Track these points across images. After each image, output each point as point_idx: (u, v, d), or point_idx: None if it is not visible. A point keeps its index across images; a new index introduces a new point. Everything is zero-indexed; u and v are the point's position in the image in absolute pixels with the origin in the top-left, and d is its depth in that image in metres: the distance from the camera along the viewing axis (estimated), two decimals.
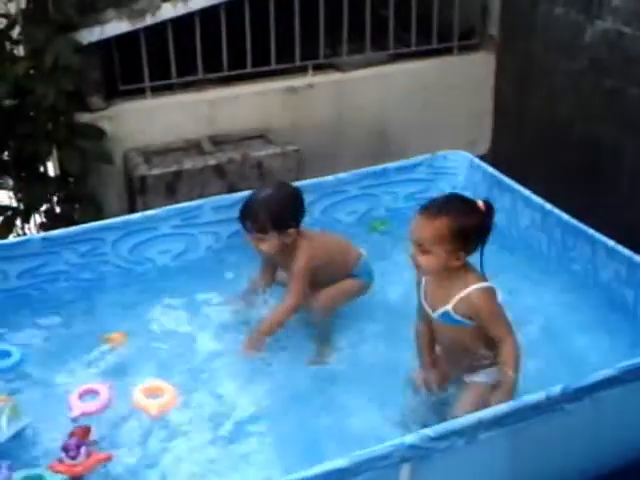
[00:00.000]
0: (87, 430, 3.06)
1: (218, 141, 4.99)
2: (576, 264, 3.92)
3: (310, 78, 5.29)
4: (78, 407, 3.22)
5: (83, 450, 2.94)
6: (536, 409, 2.82)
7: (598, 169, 4.93)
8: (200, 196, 4.57)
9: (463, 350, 3.07)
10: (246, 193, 4.17)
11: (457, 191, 4.45)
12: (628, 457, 3.18)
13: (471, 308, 2.97)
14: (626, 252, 3.72)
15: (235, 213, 4.11)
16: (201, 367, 3.50)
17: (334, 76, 5.36)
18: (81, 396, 3.28)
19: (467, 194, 4.38)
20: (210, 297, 3.90)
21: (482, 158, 4.90)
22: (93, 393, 3.30)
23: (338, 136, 5.32)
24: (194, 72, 5.07)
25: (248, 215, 3.58)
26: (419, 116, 5.51)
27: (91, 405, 3.24)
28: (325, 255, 3.65)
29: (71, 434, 3.02)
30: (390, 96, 5.43)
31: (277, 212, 3.53)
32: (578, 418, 2.93)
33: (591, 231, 3.88)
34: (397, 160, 4.68)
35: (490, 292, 2.99)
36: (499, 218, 4.22)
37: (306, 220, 4.29)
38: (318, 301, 3.64)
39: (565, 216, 4.02)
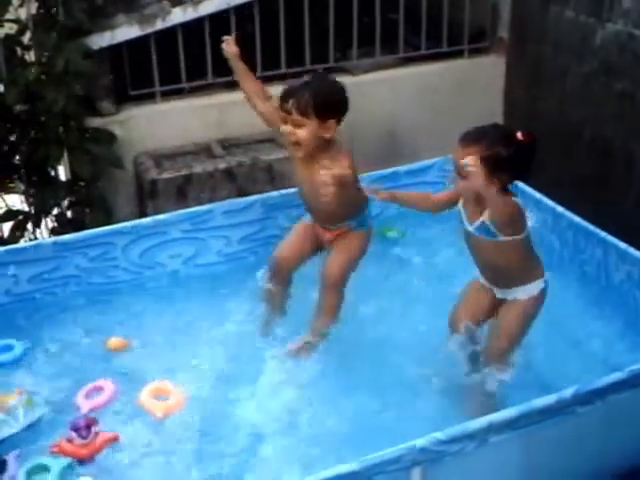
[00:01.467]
0: (93, 420, 3.10)
1: (228, 145, 5.00)
2: (588, 266, 3.89)
3: None
4: (86, 404, 3.26)
5: (92, 430, 2.97)
6: (547, 412, 2.80)
7: (609, 173, 4.91)
8: (210, 200, 4.58)
9: (495, 267, 3.29)
10: (256, 197, 4.22)
11: None
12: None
13: (501, 213, 3.12)
14: (638, 254, 3.70)
15: (245, 217, 4.18)
16: (210, 370, 3.49)
17: (344, 79, 5.21)
18: (87, 395, 3.32)
19: None
20: (221, 302, 3.87)
21: None
22: (98, 390, 3.35)
23: (349, 139, 5.22)
24: (204, 76, 5.09)
25: (292, 93, 3.43)
26: (430, 119, 5.50)
27: (98, 400, 3.28)
28: (355, 173, 3.54)
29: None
30: (401, 99, 5.43)
31: (323, 96, 3.42)
32: (590, 420, 2.92)
33: (602, 233, 3.87)
34: (408, 163, 4.68)
35: (520, 207, 3.20)
36: None
37: None
38: (329, 272, 3.60)
39: (577, 218, 4.00)
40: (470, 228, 3.27)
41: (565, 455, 2.94)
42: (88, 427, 3.01)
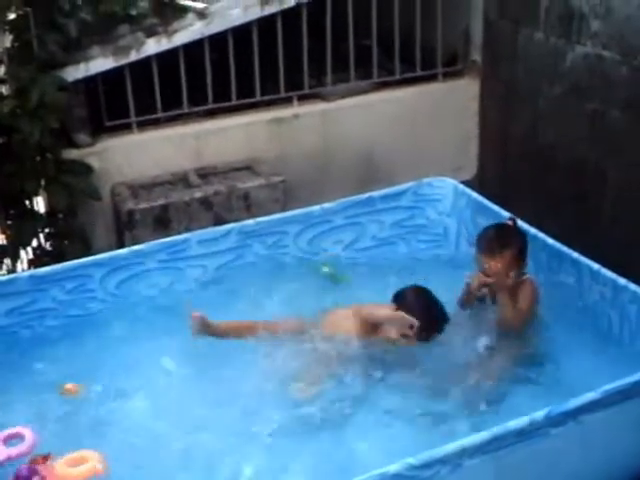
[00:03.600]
0: (46, 458, 3.08)
1: (204, 173, 5.04)
2: (561, 288, 3.92)
3: (295, 108, 5.34)
4: (2, 452, 3.18)
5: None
6: (520, 435, 2.82)
7: (582, 192, 4.95)
8: (188, 229, 4.63)
9: None
10: (232, 225, 4.24)
11: (443, 217, 4.59)
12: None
13: (521, 288, 3.72)
14: (610, 275, 3.74)
15: (221, 246, 4.19)
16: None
17: (319, 106, 5.40)
18: (6, 440, 3.23)
19: (452, 220, 4.57)
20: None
21: (468, 184, 4.95)
22: (18, 437, 3.25)
23: (325, 165, 5.35)
24: (179, 106, 5.12)
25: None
26: (405, 143, 5.55)
27: (14, 450, 3.19)
28: None
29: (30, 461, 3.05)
30: (376, 124, 5.46)
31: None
32: (564, 442, 2.94)
33: (575, 254, 3.90)
34: (385, 187, 4.71)
35: (535, 284, 3.77)
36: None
37: (292, 251, 4.39)
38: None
39: (550, 240, 4.03)
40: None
41: (539, 477, 2.95)
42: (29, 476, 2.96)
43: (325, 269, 4.38)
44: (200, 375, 3.60)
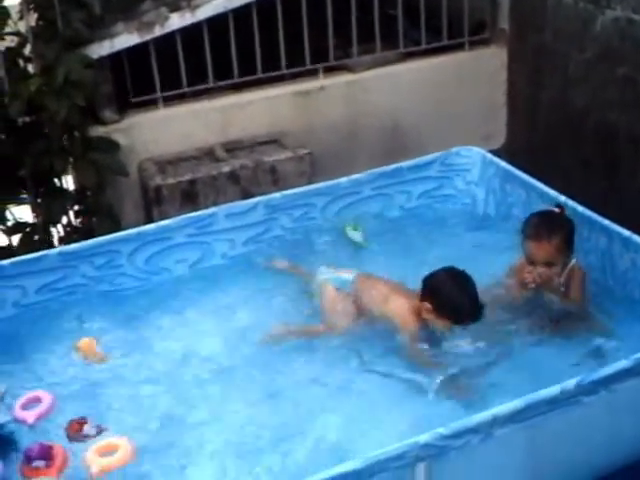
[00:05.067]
0: (82, 423, 3.12)
1: (231, 148, 5.01)
2: (592, 255, 3.87)
3: (321, 81, 5.30)
4: (28, 415, 3.22)
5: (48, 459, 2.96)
6: (552, 403, 2.80)
7: (614, 159, 4.89)
8: (215, 203, 4.60)
9: None
10: (258, 198, 4.23)
11: (471, 187, 4.54)
12: None
13: (573, 278, 3.65)
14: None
15: (248, 219, 4.18)
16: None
17: (345, 77, 5.36)
18: (26, 405, 3.27)
19: (480, 190, 4.52)
20: (226, 304, 3.89)
21: (497, 152, 4.92)
22: (38, 401, 3.29)
23: (352, 137, 5.31)
24: (205, 80, 5.09)
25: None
26: (433, 113, 5.49)
27: (32, 413, 3.23)
28: None
29: (69, 426, 3.11)
30: (402, 95, 5.42)
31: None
32: (595, 411, 2.91)
33: (606, 222, 3.85)
34: (412, 158, 4.67)
35: (582, 269, 3.69)
36: (514, 212, 4.30)
37: (319, 223, 4.37)
38: None
39: (580, 207, 3.98)
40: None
41: (571, 447, 2.93)
42: (43, 457, 2.97)
43: (350, 230, 4.35)
44: (228, 352, 3.60)
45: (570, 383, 2.82)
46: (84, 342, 3.64)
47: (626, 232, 3.77)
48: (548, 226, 3.58)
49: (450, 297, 3.43)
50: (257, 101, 5.16)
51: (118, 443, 3.06)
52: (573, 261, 3.66)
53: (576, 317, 3.59)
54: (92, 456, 3.01)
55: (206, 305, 3.90)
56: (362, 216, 4.43)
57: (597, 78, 4.90)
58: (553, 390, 2.80)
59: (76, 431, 3.14)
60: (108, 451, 3.03)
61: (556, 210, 3.74)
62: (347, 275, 3.70)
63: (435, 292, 3.47)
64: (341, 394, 3.32)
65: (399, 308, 3.55)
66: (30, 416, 3.21)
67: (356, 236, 4.34)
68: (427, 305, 3.47)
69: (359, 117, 5.34)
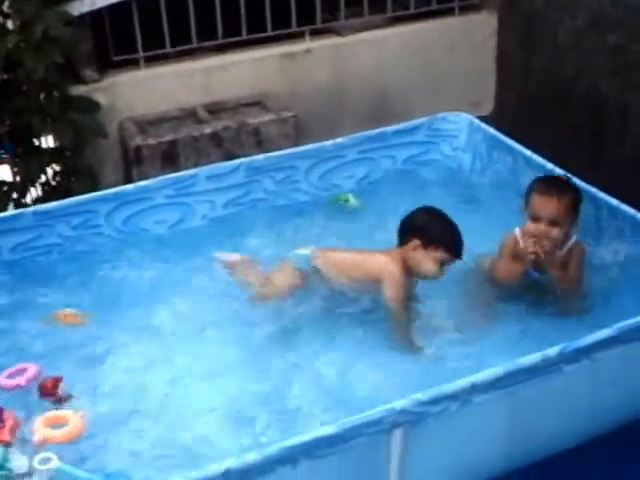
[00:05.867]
0: (57, 380, 3.04)
1: (214, 109, 4.93)
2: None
3: (307, 43, 5.21)
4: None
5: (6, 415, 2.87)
6: (533, 371, 2.74)
7: (603, 127, 4.81)
8: (196, 165, 4.53)
9: None
10: (240, 160, 4.15)
11: (458, 152, 4.48)
12: (625, 419, 3.11)
13: (574, 255, 3.50)
14: (630, 210, 3.63)
15: (229, 181, 4.10)
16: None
17: (332, 41, 5.28)
18: (12, 375, 3.15)
19: (467, 156, 4.45)
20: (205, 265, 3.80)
21: (486, 119, 4.82)
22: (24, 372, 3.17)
23: (337, 101, 5.24)
24: (188, 41, 4.99)
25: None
26: (421, 79, 5.43)
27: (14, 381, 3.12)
28: None
29: (43, 383, 3.02)
30: (390, 59, 5.34)
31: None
32: (576, 379, 2.86)
33: (594, 190, 3.78)
34: (398, 123, 4.58)
35: (584, 246, 3.56)
36: (501, 178, 4.23)
37: (303, 187, 4.30)
38: None
39: (568, 175, 3.90)
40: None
41: (551, 416, 2.88)
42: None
43: (346, 203, 4.29)
44: (207, 312, 3.52)
45: (552, 351, 2.76)
46: (62, 311, 3.53)
47: (614, 201, 3.70)
48: (560, 184, 3.50)
49: (439, 226, 3.40)
50: (241, 62, 5.08)
51: (69, 417, 2.92)
52: (574, 237, 3.53)
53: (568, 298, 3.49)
54: (39, 425, 2.88)
55: (185, 266, 3.82)
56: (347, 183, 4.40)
57: (588, 45, 4.80)
58: (534, 358, 2.73)
59: (50, 389, 3.05)
60: (57, 423, 2.90)
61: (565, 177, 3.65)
62: (304, 251, 3.54)
63: (421, 226, 3.40)
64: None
65: (379, 262, 3.41)
66: (21, 380, 3.12)
67: (352, 203, 4.27)
68: (415, 241, 3.37)
69: (345, 81, 5.26)
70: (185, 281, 3.71)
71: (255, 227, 4.02)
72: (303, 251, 3.53)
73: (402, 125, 4.53)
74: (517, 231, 3.55)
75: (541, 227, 3.41)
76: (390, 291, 3.35)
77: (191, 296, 3.62)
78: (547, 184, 3.50)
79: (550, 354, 2.75)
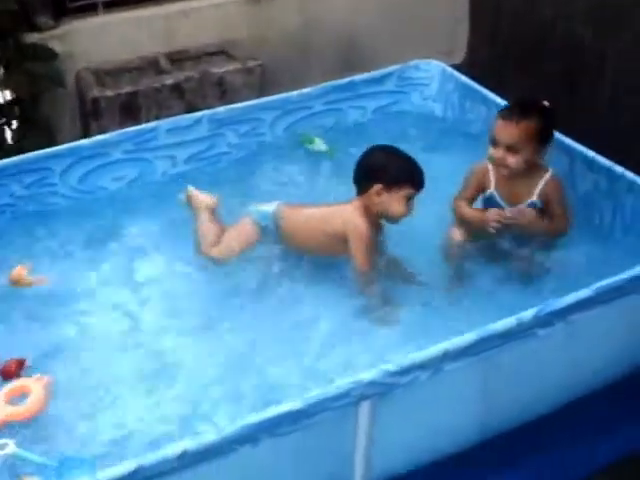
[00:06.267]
0: (20, 362, 2.88)
1: (176, 58, 4.71)
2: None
3: None
4: None
5: None
6: (506, 336, 2.61)
7: (579, 73, 4.68)
8: (157, 117, 4.34)
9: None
10: (202, 112, 3.97)
11: (429, 102, 4.32)
12: (600, 383, 3.01)
13: (551, 192, 3.32)
14: (606, 162, 3.50)
15: (191, 135, 3.93)
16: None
17: None
18: None
19: (439, 105, 4.29)
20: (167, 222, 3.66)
21: (458, 67, 4.68)
22: None
23: (305, 48, 5.05)
24: None
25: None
26: (391, 25, 5.22)
27: None
28: None
29: (5, 365, 2.87)
30: (360, 4, 5.14)
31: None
32: (551, 344, 2.74)
33: (568, 141, 3.65)
34: (368, 70, 4.42)
35: (560, 180, 3.38)
36: (473, 129, 4.08)
37: (268, 139, 4.13)
38: None
39: None
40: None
41: (527, 382, 2.76)
42: None
43: (311, 145, 4.13)
44: (164, 273, 3.39)
45: (527, 315, 2.63)
46: (15, 271, 3.36)
47: (590, 152, 3.57)
48: (523, 107, 3.27)
49: (397, 162, 3.24)
50: (205, 8, 4.84)
51: (31, 386, 2.76)
52: (549, 173, 3.34)
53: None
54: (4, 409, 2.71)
55: (146, 224, 3.68)
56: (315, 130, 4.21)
57: None
58: (509, 322, 2.61)
59: (13, 372, 2.87)
60: (18, 395, 2.74)
61: (545, 103, 3.37)
62: (267, 207, 3.38)
63: (380, 167, 3.24)
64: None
65: (342, 216, 3.26)
66: None
67: (318, 145, 4.11)
68: (377, 186, 3.21)
69: (313, 27, 5.06)
70: (145, 241, 3.56)
71: (218, 182, 3.84)
72: (265, 207, 3.38)
73: (371, 74, 4.38)
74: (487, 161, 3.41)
75: (499, 152, 3.24)
76: (358, 253, 3.21)
77: (152, 256, 3.48)
78: (511, 107, 3.33)
79: (525, 318, 2.63)
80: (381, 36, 5.20)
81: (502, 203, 3.35)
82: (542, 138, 3.27)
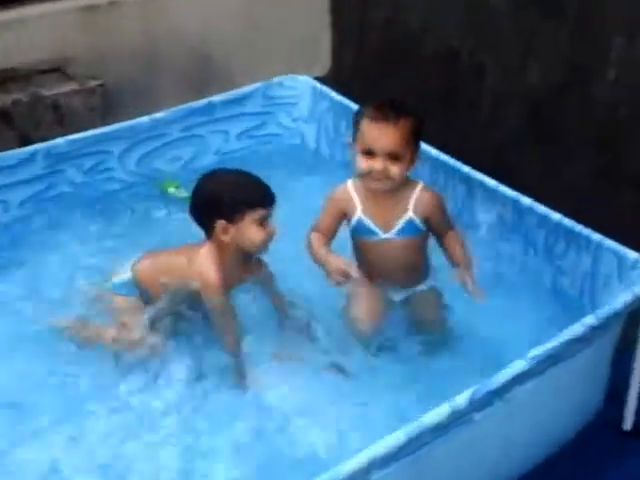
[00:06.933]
0: None
1: (0, 79, 4.07)
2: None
3: None
4: None
5: None
6: (440, 428, 2.14)
7: (456, 88, 4.35)
8: None
9: (411, 266, 2.92)
10: (36, 146, 3.37)
11: (300, 124, 3.98)
12: (542, 456, 2.62)
13: (427, 205, 2.83)
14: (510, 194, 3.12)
15: (24, 174, 3.35)
16: None
17: None
18: None
19: (312, 127, 3.89)
20: None
21: (322, 80, 4.27)
22: None
23: (152, 65, 4.50)
24: None
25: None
26: (248, 36, 4.77)
27: None
28: None
29: None
30: (212, 14, 4.64)
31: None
32: (489, 424, 2.30)
33: (466, 168, 3.26)
34: (224, 90, 3.96)
35: (433, 188, 2.95)
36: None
37: (119, 175, 3.59)
38: None
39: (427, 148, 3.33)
40: (387, 235, 2.84)
41: (461, 470, 2.31)
42: None
43: (172, 189, 3.62)
44: None
45: (461, 399, 2.16)
46: None
47: (491, 182, 3.18)
48: (394, 107, 2.73)
49: (231, 187, 2.73)
50: (32, 19, 4.22)
51: None
52: (420, 184, 2.84)
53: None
54: None
55: None
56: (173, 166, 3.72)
57: None
58: (442, 411, 2.12)
59: None
60: None
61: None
62: (124, 275, 2.84)
63: (213, 200, 2.71)
64: None
65: (192, 266, 2.74)
66: None
67: (180, 192, 3.57)
68: (219, 223, 2.69)
69: (160, 40, 4.51)
70: None
71: (60, 231, 3.30)
72: (122, 276, 2.81)
73: (232, 93, 3.91)
74: (349, 182, 2.87)
75: (378, 163, 2.70)
76: (210, 303, 2.72)
77: None
78: (380, 108, 2.73)
79: (459, 404, 2.15)
80: (236, 48, 4.75)
81: (374, 228, 2.83)
82: (419, 138, 2.79)
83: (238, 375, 2.69)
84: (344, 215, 2.87)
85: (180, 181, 3.62)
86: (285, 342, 2.82)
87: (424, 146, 3.30)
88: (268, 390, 2.65)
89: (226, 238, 2.70)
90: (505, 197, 3.14)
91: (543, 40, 3.88)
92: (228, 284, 2.72)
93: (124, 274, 2.80)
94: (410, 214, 2.80)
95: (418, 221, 2.81)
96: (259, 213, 2.69)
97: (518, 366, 2.28)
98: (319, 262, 2.75)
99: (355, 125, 2.78)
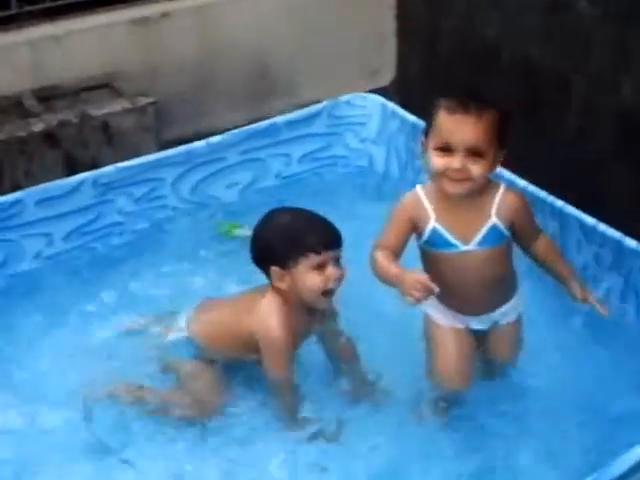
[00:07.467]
0: None
1: (46, 96, 3.93)
2: None
3: (163, 5, 4.22)
4: None
5: None
6: None
7: (537, 102, 4.05)
8: (27, 174, 3.64)
9: (497, 281, 2.58)
10: (84, 175, 3.18)
11: (368, 145, 3.78)
12: None
13: (511, 207, 2.52)
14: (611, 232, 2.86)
15: (70, 205, 3.20)
16: None
17: (194, 1, 4.29)
18: None
19: (381, 149, 3.73)
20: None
21: (385, 91, 4.23)
22: None
23: (207, 78, 4.31)
24: (6, 5, 3.97)
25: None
26: (307, 45, 4.55)
27: None
28: None
29: None
30: (269, 22, 4.43)
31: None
32: None
33: (560, 202, 3.00)
34: (285, 103, 3.92)
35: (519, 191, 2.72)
36: (424, 177, 3.40)
37: (172, 202, 3.40)
38: None
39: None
40: (468, 247, 2.51)
41: None
42: None
43: (237, 230, 3.39)
44: None
45: None
46: None
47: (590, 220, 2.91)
48: (477, 97, 2.43)
49: (280, 231, 2.54)
50: (80, 32, 4.05)
51: None
52: (502, 186, 2.54)
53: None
54: None
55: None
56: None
57: (512, 3, 4.02)
58: None
59: None
60: None
61: None
62: (179, 333, 2.64)
63: (264, 247, 2.54)
64: None
65: (255, 312, 2.53)
66: None
67: (244, 231, 3.30)
68: (274, 270, 2.50)
69: (215, 52, 4.32)
70: None
71: (113, 272, 3.11)
72: (177, 333, 2.58)
73: (295, 114, 3.75)
74: (418, 187, 2.55)
75: (457, 161, 2.38)
76: (272, 363, 2.52)
77: None
78: (459, 99, 2.42)
79: None
80: (294, 59, 4.53)
81: (452, 240, 2.50)
82: (502, 138, 2.46)
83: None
84: (414, 227, 2.52)
85: (238, 222, 3.40)
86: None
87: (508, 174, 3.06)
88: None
89: (282, 285, 2.48)
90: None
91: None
92: (294, 340, 2.46)
93: (179, 331, 2.57)
94: (493, 219, 2.49)
95: (502, 227, 2.51)
96: (316, 259, 2.45)
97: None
98: (391, 281, 2.39)
99: (429, 121, 2.46)
